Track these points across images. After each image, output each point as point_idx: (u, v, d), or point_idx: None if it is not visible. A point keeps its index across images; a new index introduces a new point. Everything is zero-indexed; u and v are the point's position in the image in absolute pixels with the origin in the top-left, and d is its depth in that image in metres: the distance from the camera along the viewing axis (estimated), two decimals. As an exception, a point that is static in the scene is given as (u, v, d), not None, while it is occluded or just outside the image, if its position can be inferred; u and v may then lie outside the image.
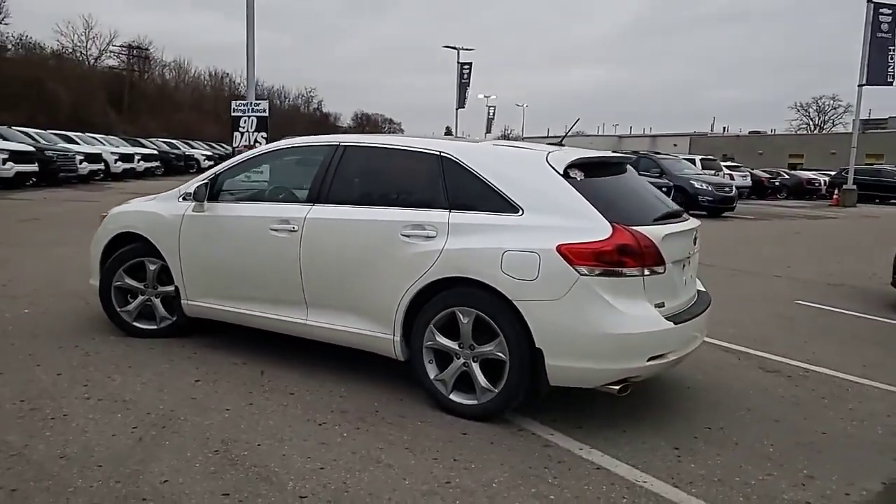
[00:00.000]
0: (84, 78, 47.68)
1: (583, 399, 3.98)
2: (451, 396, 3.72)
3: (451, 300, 3.67)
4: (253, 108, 13.13)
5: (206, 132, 52.68)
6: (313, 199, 4.19)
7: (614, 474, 3.14)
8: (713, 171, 27.49)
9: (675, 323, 3.53)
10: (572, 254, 3.36)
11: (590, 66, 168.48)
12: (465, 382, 3.72)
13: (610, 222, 3.43)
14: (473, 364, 3.65)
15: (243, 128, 13.20)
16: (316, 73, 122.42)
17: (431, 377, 3.77)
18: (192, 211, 4.57)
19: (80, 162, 22.69)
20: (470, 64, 47.08)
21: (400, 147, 4.14)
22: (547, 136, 78.51)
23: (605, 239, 3.38)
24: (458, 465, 3.15)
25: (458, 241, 3.65)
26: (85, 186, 20.94)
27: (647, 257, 3.44)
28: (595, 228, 3.41)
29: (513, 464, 3.19)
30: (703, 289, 4.42)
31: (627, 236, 3.40)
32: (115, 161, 25.20)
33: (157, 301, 4.85)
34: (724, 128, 75.25)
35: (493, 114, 66.92)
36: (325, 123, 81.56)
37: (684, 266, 3.87)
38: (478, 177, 3.73)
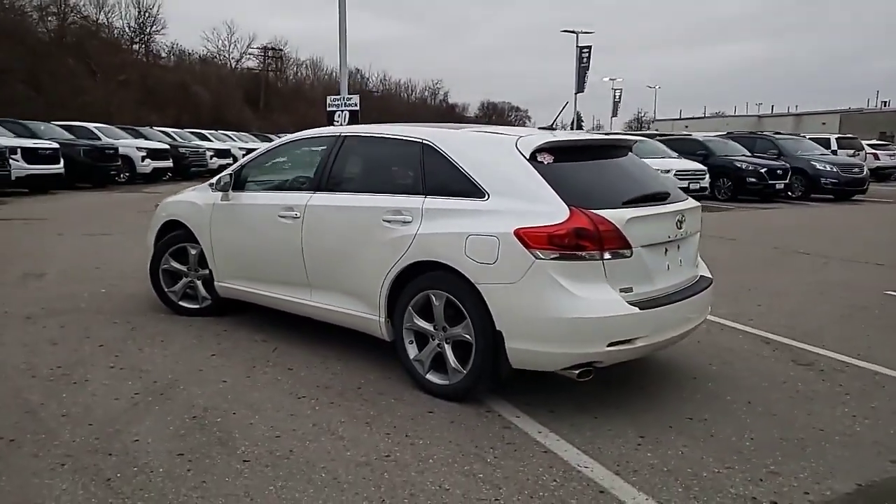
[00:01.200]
0: (223, 79, 51.46)
1: (571, 385, 3.95)
2: (427, 376, 3.84)
3: (424, 283, 3.78)
4: (346, 103, 13.71)
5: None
6: (315, 187, 4.44)
7: (558, 458, 3.14)
8: (852, 151, 25.20)
9: (642, 308, 3.43)
10: (528, 237, 3.37)
11: (729, 42, 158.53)
12: (442, 363, 3.82)
13: (569, 206, 3.39)
14: (446, 345, 3.75)
15: (337, 121, 13.82)
16: (445, 65, 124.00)
17: (411, 357, 3.90)
18: (220, 200, 4.97)
19: (211, 157, 24.76)
20: (589, 47, 45.90)
21: (389, 136, 4.28)
22: (680, 118, 74.89)
23: (561, 223, 3.35)
24: (408, 440, 3.28)
25: (429, 225, 3.75)
26: (213, 180, 22.60)
27: (607, 241, 3.37)
28: (553, 212, 3.39)
29: (462, 442, 3.27)
30: (706, 273, 4.23)
31: (584, 220, 3.35)
32: (243, 155, 27.05)
33: (199, 283, 5.32)
34: (885, 102, 68.03)
35: (620, 97, 64.81)
36: (450, 115, 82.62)
37: (667, 250, 3.73)
38: (451, 163, 3.80)
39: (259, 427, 3.38)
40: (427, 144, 3.96)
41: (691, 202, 4.04)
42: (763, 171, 17.48)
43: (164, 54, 53.69)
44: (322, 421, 3.47)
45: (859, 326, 5.58)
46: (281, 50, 66.71)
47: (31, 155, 15.64)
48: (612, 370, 4.24)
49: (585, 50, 45.72)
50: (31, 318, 5.20)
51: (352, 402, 3.72)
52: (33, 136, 17.41)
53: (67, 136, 19.02)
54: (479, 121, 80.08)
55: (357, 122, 13.68)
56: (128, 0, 49.01)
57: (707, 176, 16.12)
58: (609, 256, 3.39)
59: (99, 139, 19.98)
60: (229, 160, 26.53)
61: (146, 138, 22.70)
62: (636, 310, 3.42)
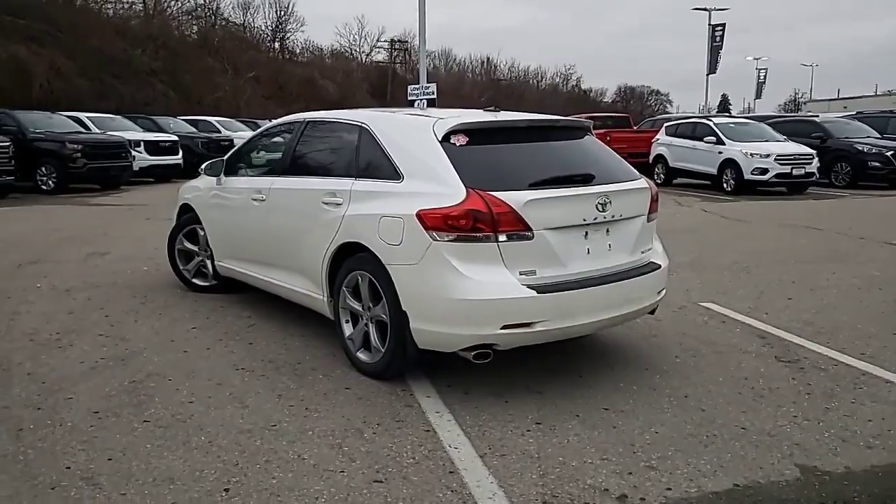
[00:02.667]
0: (349, 73, 53.56)
1: (516, 368, 3.92)
2: (358, 354, 3.95)
3: (353, 264, 3.89)
4: (424, 91, 13.95)
5: (457, 115, 55.96)
6: (279, 171, 4.67)
7: (435, 438, 3.16)
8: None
9: (540, 291, 3.35)
10: (427, 219, 3.38)
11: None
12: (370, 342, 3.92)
13: (468, 188, 3.37)
14: (371, 325, 3.85)
15: (416, 110, 14.08)
16: (578, 50, 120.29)
17: (346, 335, 4.04)
18: (215, 185, 5.34)
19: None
20: (723, 25, 43.21)
21: (335, 120, 4.41)
22: (838, 98, 68.05)
23: (456, 204, 3.34)
24: (305, 412, 3.42)
25: (355, 207, 3.86)
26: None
27: (502, 223, 3.31)
28: (452, 194, 3.38)
29: (353, 417, 3.37)
30: (657, 259, 4.01)
31: (478, 202, 3.31)
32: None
33: (208, 262, 5.74)
34: None
35: (765, 77, 60.30)
36: (584, 101, 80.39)
37: (587, 233, 3.59)
38: (379, 145, 3.88)
39: (181, 393, 3.66)
40: (363, 127, 4.05)
41: (632, 185, 3.84)
42: (890, 153, 15.77)
43: (298, 51, 56.85)
44: (240, 391, 3.69)
45: (889, 327, 5.01)
46: (407, 42, 68.23)
47: (152, 147, 17.29)
48: (569, 356, 4.17)
49: (718, 28, 43.08)
50: (69, 291, 5.85)
51: (281, 376, 3.91)
52: (160, 130, 19.20)
53: (190, 129, 20.80)
54: (615, 106, 77.23)
55: (434, 111, 13.87)
56: (271, 1, 52.60)
57: (815, 160, 14.78)
58: (504, 239, 3.33)
59: (218, 132, 21.65)
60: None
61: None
62: (533, 293, 3.34)
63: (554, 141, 3.92)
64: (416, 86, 14.16)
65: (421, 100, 14.03)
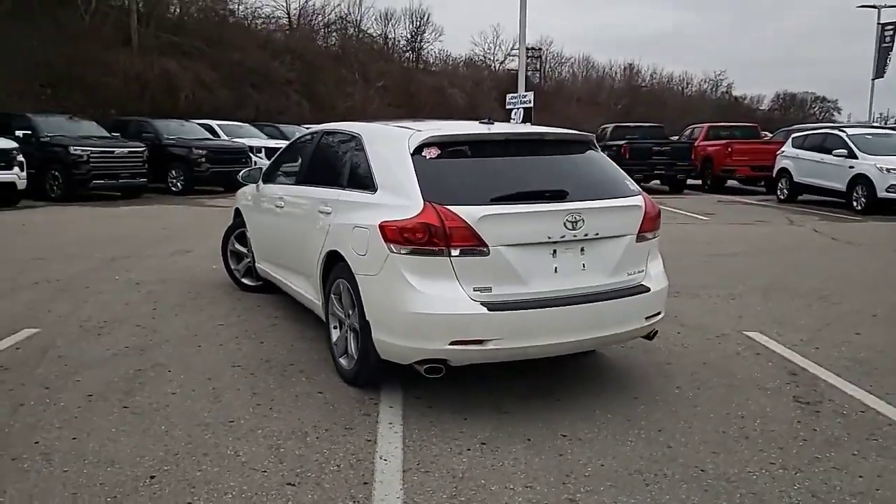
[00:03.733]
0: (479, 82, 54.18)
1: (491, 383, 3.89)
2: (339, 359, 4.05)
3: (338, 272, 4.00)
4: (521, 100, 13.89)
5: (587, 123, 55.10)
6: (297, 180, 4.88)
7: (371, 448, 3.19)
8: None
9: (492, 308, 3.27)
10: (386, 230, 3.42)
11: None
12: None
13: (426, 201, 3.36)
14: (349, 332, 3.93)
15: (513, 119, 14.06)
16: (731, 54, 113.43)
17: (332, 340, 4.15)
18: (255, 191, 5.67)
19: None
20: (894, 24, 39.32)
21: (339, 130, 4.54)
22: None
23: (411, 217, 3.35)
24: (265, 412, 3.57)
25: (338, 217, 3.97)
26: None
27: (455, 237, 3.28)
28: (411, 207, 3.40)
29: (308, 420, 3.47)
30: (648, 281, 3.77)
31: (432, 215, 3.30)
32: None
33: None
34: None
35: (949, 82, 53.94)
36: (734, 108, 75.51)
37: (556, 252, 3.46)
38: (366, 157, 3.96)
39: (171, 385, 3.93)
40: (357, 137, 4.16)
41: (617, 203, 3.65)
42: None
43: (431, 60, 58.38)
44: (222, 387, 3.90)
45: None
46: (540, 49, 68.01)
47: (272, 153, 18.46)
48: (558, 377, 4.05)
49: (889, 27, 39.31)
50: (138, 284, 6.43)
51: (267, 376, 4.09)
52: (283, 137, 20.48)
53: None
54: (772, 115, 72.14)
55: (530, 120, 13.79)
56: (410, 11, 54.63)
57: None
58: (458, 253, 3.29)
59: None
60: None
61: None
62: (484, 310, 3.27)
63: (538, 155, 3.82)
64: (515, 94, 14.13)
65: (518, 108, 13.98)
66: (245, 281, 6.23)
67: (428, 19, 56.16)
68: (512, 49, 66.81)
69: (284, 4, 40.93)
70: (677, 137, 21.97)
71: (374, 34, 50.15)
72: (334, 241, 3.96)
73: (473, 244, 3.30)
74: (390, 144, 3.85)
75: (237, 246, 6.24)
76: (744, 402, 3.83)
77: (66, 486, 2.79)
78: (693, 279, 6.93)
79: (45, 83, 22.30)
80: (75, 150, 13.52)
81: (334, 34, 43.41)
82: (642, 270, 3.79)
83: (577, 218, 3.46)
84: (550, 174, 3.76)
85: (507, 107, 14.12)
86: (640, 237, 3.75)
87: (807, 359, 4.59)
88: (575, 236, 3.48)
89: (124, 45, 24.20)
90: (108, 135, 15.24)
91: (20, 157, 12.42)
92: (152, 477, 2.88)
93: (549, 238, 3.44)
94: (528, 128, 4.09)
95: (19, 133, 13.57)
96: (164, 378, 4.03)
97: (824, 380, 4.21)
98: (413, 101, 43.05)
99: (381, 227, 3.44)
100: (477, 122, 4.11)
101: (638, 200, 3.75)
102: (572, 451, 3.19)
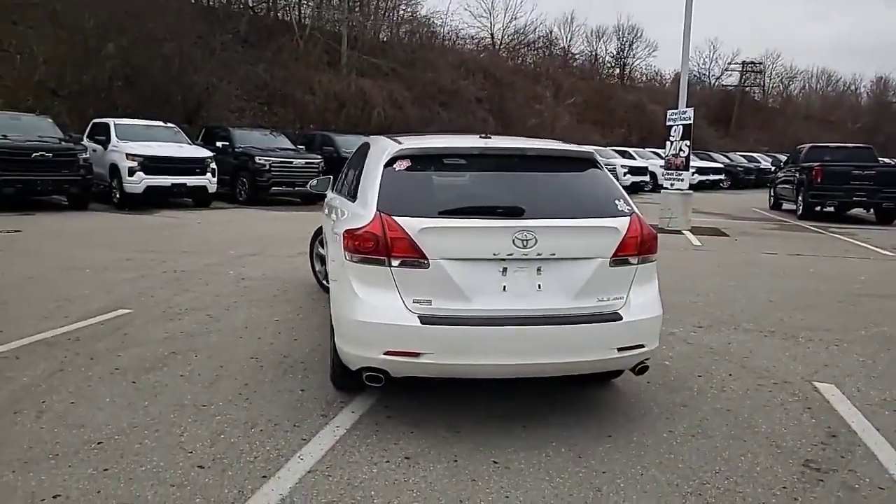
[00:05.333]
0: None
1: (480, 399, 3.83)
2: (331, 361, 4.20)
3: (332, 277, 4.18)
4: (681, 117, 13.09)
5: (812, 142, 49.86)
6: (337, 188, 5.14)
7: (299, 446, 3.30)
8: None
9: (425, 322, 3.23)
10: (345, 238, 3.52)
11: None
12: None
13: (378, 211, 3.41)
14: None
15: (672, 136, 13.29)
16: None
17: (332, 342, 4.32)
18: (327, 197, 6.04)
19: (624, 174, 25.57)
20: None
21: (366, 141, 4.68)
22: None
23: (361, 226, 3.41)
24: (235, 400, 3.84)
25: (333, 224, 4.14)
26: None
27: (395, 248, 3.29)
28: (365, 216, 3.46)
29: (265, 414, 3.67)
30: (626, 312, 3.44)
31: (376, 225, 3.34)
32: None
33: (332, 267, 6.50)
34: None
35: None
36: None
37: (505, 269, 3.31)
38: (363, 166, 4.09)
39: (184, 367, 4.36)
40: (368, 148, 4.30)
41: (585, 223, 3.41)
42: None
43: (637, 76, 56.72)
44: (225, 375, 4.25)
45: None
46: (762, 63, 62.91)
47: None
48: (554, 406, 3.88)
49: None
50: (243, 280, 7.14)
51: (268, 369, 4.37)
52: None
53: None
54: None
55: (689, 136, 12.94)
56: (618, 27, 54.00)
57: None
58: (398, 264, 3.30)
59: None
60: (644, 177, 26.86)
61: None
62: (416, 323, 3.23)
63: (515, 171, 3.68)
64: (675, 111, 13.30)
65: (677, 125, 13.15)
66: (325, 282, 6.64)
67: (640, 35, 54.86)
68: (730, 63, 62.68)
69: (489, 25, 42.43)
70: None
71: (582, 52, 50.09)
72: (328, 246, 4.14)
73: (413, 256, 3.29)
74: (376, 156, 3.94)
75: (320, 249, 6.68)
76: (733, 457, 3.35)
77: (30, 440, 3.27)
78: (804, 319, 6.12)
79: (263, 101, 25.33)
80: (259, 160, 15.23)
81: (530, 53, 43.98)
82: (620, 297, 3.47)
83: (529, 236, 3.29)
84: (519, 190, 3.60)
85: (668, 123, 13.34)
86: (618, 261, 3.44)
87: (868, 419, 3.87)
88: (526, 255, 3.30)
89: (329, 66, 26.70)
90: (293, 147, 16.93)
91: (213, 165, 14.27)
92: (99, 443, 3.26)
93: (495, 255, 3.31)
94: (519, 142, 3.94)
95: (219, 144, 15.63)
96: (185, 361, 4.48)
97: (866, 446, 3.53)
98: (610, 117, 42.08)
99: (343, 234, 3.56)
100: (476, 137, 4.05)
101: (617, 222, 3.45)
102: (489, 478, 3.05)
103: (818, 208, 16.54)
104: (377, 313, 3.33)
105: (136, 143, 13.67)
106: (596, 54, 53.13)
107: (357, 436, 3.44)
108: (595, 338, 3.39)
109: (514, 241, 3.30)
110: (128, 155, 13.24)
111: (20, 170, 11.80)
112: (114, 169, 13.51)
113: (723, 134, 52.74)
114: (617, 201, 3.61)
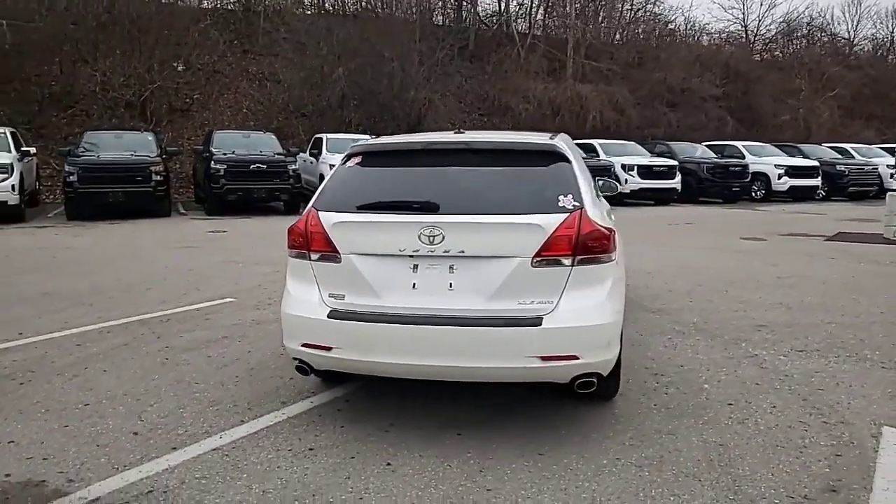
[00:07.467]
0: None
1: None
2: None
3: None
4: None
5: None
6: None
7: (234, 430, 3.48)
8: None
9: (332, 317, 3.22)
10: (287, 233, 3.62)
11: None
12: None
13: (312, 207, 3.47)
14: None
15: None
16: None
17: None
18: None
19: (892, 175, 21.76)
20: None
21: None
22: None
23: (296, 222, 3.49)
24: (224, 382, 4.17)
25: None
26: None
27: (314, 242, 3.34)
28: (306, 212, 3.54)
29: (238, 397, 3.92)
30: (551, 317, 3.05)
31: (303, 220, 3.41)
32: (779, 177, 20.49)
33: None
34: None
35: None
36: None
37: (416, 266, 3.16)
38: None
39: (215, 350, 4.81)
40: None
41: (500, 219, 3.09)
42: None
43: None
44: (238, 361, 4.59)
45: None
46: None
47: (645, 171, 18.14)
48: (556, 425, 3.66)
49: None
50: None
51: (275, 360, 4.56)
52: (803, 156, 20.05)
53: (709, 154, 20.61)
54: None
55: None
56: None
57: None
58: (316, 258, 3.34)
59: (741, 157, 20.74)
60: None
61: (804, 156, 21.81)
62: (323, 317, 3.23)
63: (465, 166, 3.45)
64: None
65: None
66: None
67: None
68: None
69: (741, 17, 38.91)
70: None
71: (865, 36, 43.55)
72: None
73: (327, 250, 3.30)
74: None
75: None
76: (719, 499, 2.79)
77: (28, 401, 3.85)
78: None
79: (483, 112, 26.28)
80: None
81: (791, 42, 39.21)
82: (550, 301, 3.08)
83: (436, 232, 3.09)
84: (457, 186, 3.37)
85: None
86: (542, 261, 3.07)
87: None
88: (433, 252, 3.11)
89: (548, 75, 26.69)
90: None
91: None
92: (86, 405, 3.79)
93: (402, 251, 3.16)
94: (481, 136, 3.67)
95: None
96: (220, 346, 4.91)
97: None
98: (893, 109, 35.74)
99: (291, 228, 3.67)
100: (451, 133, 3.89)
101: (543, 219, 3.08)
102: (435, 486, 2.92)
103: None
104: (298, 306, 3.40)
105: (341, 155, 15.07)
106: (893, 38, 45.34)
107: (292, 423, 3.54)
108: (508, 343, 3.06)
109: (419, 236, 3.13)
110: (331, 165, 14.70)
111: (241, 180, 13.82)
112: (322, 178, 15.08)
113: None
114: (562, 197, 3.21)
